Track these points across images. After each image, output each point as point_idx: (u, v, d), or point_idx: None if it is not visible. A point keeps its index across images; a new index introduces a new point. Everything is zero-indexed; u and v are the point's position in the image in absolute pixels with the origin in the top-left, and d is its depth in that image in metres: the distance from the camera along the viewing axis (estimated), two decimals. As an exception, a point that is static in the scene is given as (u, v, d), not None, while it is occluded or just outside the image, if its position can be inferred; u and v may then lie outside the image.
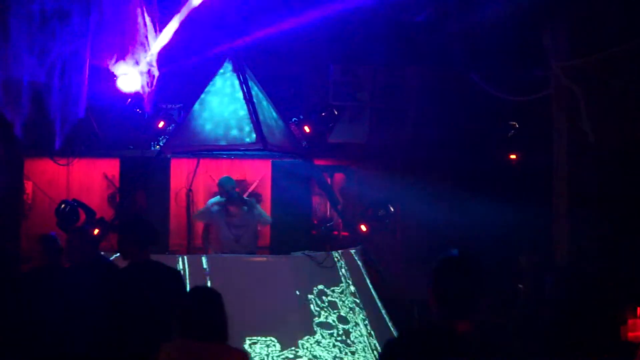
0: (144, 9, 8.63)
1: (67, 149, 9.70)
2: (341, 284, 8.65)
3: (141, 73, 9.02)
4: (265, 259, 9.36)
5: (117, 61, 8.96)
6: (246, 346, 7.53)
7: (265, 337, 7.84)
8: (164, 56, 9.23)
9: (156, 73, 9.07)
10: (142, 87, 9.06)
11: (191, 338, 4.25)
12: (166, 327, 5.24)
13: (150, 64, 8.99)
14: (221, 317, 4.35)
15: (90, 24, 8.25)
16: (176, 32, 8.99)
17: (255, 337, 7.78)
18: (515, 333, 8.02)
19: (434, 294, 3.45)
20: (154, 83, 9.15)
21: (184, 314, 4.32)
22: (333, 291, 8.54)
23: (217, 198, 9.78)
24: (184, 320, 4.30)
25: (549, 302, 7.68)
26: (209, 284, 8.08)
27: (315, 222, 11.23)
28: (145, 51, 8.86)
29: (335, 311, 8.35)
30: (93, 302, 5.46)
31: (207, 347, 4.26)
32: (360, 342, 8.20)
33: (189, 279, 7.87)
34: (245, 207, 9.54)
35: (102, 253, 7.07)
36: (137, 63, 8.90)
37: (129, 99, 9.99)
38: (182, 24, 9.02)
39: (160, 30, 8.90)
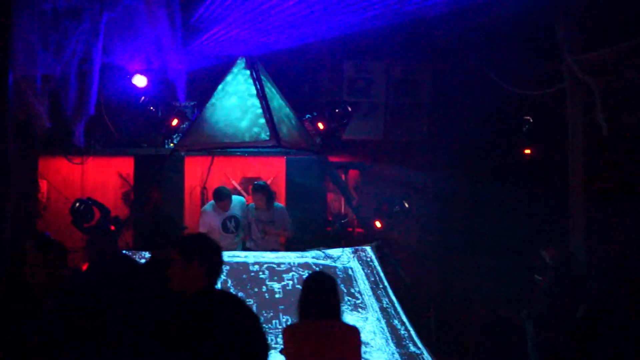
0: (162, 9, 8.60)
1: (81, 147, 9.71)
2: (364, 303, 8.53)
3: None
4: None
5: (132, 59, 8.97)
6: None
7: None
8: (178, 54, 9.23)
9: None
10: None
11: (310, 318, 4.94)
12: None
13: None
14: (335, 297, 5.04)
15: (102, 21, 8.26)
16: (189, 32, 8.99)
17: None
18: (533, 325, 7.97)
19: None
20: None
21: (304, 298, 5.00)
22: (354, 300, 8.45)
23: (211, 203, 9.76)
24: (304, 304, 4.99)
25: (567, 297, 7.62)
26: (229, 283, 8.08)
27: (330, 218, 11.18)
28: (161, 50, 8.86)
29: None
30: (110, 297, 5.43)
31: (325, 324, 4.93)
32: (375, 342, 8.13)
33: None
34: (273, 203, 9.53)
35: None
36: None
37: (143, 97, 9.99)
38: (195, 23, 8.99)
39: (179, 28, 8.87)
